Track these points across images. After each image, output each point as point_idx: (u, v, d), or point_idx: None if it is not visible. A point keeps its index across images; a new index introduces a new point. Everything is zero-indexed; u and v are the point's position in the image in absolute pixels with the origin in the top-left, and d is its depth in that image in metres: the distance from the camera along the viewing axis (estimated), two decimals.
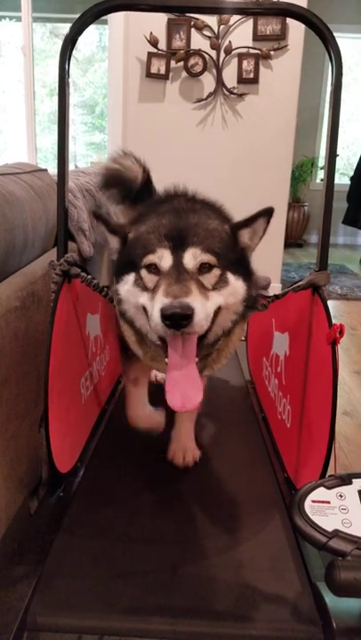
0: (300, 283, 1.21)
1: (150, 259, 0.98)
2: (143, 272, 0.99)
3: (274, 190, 3.65)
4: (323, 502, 0.83)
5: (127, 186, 1.56)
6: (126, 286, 1.03)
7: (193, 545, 1.08)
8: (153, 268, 0.98)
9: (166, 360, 0.95)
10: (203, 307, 0.91)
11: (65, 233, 1.22)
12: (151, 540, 1.09)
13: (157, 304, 0.89)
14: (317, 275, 1.16)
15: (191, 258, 0.96)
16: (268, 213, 1.06)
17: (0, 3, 4.53)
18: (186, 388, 0.92)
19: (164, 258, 0.96)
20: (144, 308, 0.99)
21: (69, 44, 1.10)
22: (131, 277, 1.02)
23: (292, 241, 6.46)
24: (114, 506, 1.20)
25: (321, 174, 6.90)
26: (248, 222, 1.06)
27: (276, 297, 1.29)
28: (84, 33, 1.13)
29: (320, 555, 0.99)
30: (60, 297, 1.17)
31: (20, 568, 1.00)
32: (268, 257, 3.80)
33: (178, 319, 0.86)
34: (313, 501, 0.83)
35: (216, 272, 0.98)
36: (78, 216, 1.78)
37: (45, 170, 1.65)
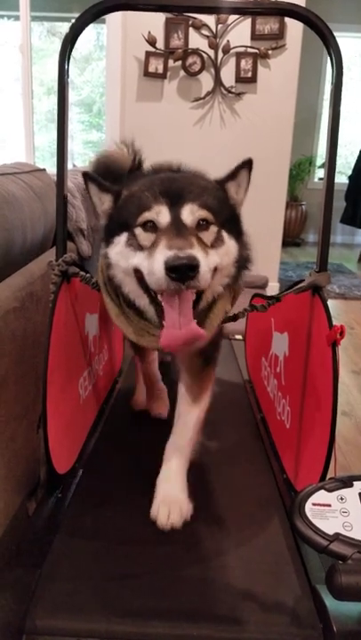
0: (301, 284, 1.20)
1: (146, 216, 0.94)
2: (138, 230, 0.95)
3: (272, 189, 3.65)
4: (323, 505, 0.82)
5: (116, 173, 1.54)
6: (117, 248, 0.99)
7: (192, 547, 1.07)
8: (149, 226, 0.94)
9: (163, 322, 0.91)
10: (205, 262, 0.89)
11: (64, 233, 1.21)
12: (149, 542, 1.08)
13: (160, 257, 0.86)
14: (318, 276, 1.16)
15: (189, 213, 0.94)
16: (248, 164, 1.05)
17: None
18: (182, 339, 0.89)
19: (161, 214, 0.93)
20: (136, 271, 0.96)
21: (69, 43, 1.09)
22: (123, 238, 0.98)
23: (290, 240, 6.47)
24: (112, 508, 1.19)
25: (319, 173, 6.91)
26: (232, 175, 1.06)
27: (277, 300, 1.28)
28: (83, 33, 1.12)
29: (320, 557, 0.99)
30: (59, 297, 1.16)
31: (18, 570, 0.99)
32: (266, 256, 3.81)
33: (184, 271, 0.83)
34: (314, 504, 0.82)
35: (213, 229, 0.96)
36: (77, 216, 1.77)
37: (44, 169, 1.64)
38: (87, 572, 1.00)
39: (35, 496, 1.24)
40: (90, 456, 1.39)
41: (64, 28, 5.78)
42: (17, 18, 3.97)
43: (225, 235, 0.99)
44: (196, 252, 0.87)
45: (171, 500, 1.14)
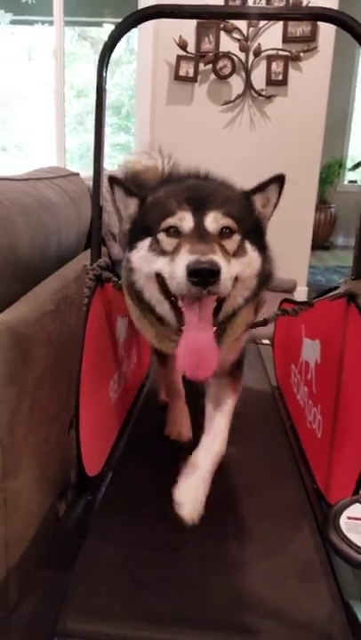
0: (336, 291, 1.19)
1: (170, 221, 0.95)
2: (161, 235, 0.96)
3: (301, 192, 3.61)
4: (359, 519, 0.81)
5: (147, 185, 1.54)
6: (140, 252, 1.00)
7: (221, 556, 1.06)
8: (172, 231, 0.95)
9: (181, 328, 0.92)
10: (227, 268, 0.88)
11: (98, 238, 1.23)
12: (178, 549, 1.08)
13: (182, 261, 0.86)
14: (354, 283, 1.14)
15: (213, 220, 0.94)
16: (279, 179, 1.04)
17: (32, 7, 4.61)
18: (200, 354, 0.89)
19: (184, 220, 0.94)
20: (157, 276, 0.97)
21: (108, 51, 1.10)
22: (146, 243, 0.99)
23: (319, 243, 6.38)
24: (141, 511, 1.20)
25: (349, 175, 6.81)
26: (261, 188, 1.04)
27: (310, 305, 1.27)
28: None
29: (353, 572, 0.97)
30: (93, 301, 1.18)
31: (49, 572, 1.01)
32: (295, 259, 3.77)
33: (206, 275, 0.83)
34: (349, 518, 0.81)
35: (236, 238, 0.96)
36: (109, 220, 1.79)
37: (78, 174, 1.67)
38: (117, 576, 1.00)
39: (65, 498, 1.25)
40: (119, 459, 1.40)
41: (94, 32, 5.85)
42: (50, 23, 4.04)
43: (248, 245, 0.98)
44: (218, 257, 0.87)
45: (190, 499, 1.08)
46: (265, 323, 1.22)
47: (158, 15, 1.09)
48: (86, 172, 1.76)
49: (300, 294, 3.71)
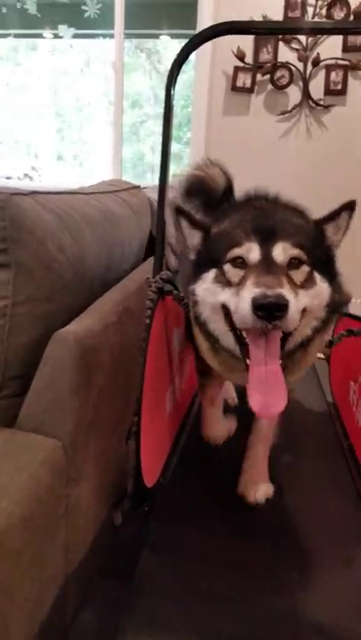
0: None
1: (236, 252, 0.93)
2: (227, 266, 0.95)
3: (359, 201, 3.52)
4: None
5: (209, 194, 1.53)
6: (205, 284, 0.99)
7: (280, 577, 1.05)
8: (239, 262, 0.93)
9: (247, 361, 0.91)
10: (295, 302, 0.86)
11: (162, 250, 1.24)
12: (236, 567, 1.07)
13: (247, 294, 0.85)
14: None
15: (281, 251, 0.91)
16: (350, 207, 1.02)
17: (94, 21, 4.75)
18: (269, 391, 0.88)
19: (251, 250, 0.92)
20: (223, 308, 0.96)
21: (176, 68, 1.12)
22: (211, 274, 0.98)
23: None
24: (196, 525, 1.20)
25: None
26: (332, 217, 1.02)
27: None
28: (169, 49, 1.14)
29: None
30: (155, 314, 1.19)
31: (107, 581, 1.02)
32: (351, 271, 3.63)
33: (272, 310, 0.81)
34: None
35: (305, 269, 0.93)
36: (166, 231, 1.80)
37: (139, 187, 1.70)
38: (174, 590, 1.01)
39: (120, 507, 1.26)
40: (173, 471, 1.40)
41: (150, 44, 5.96)
42: (111, 36, 4.15)
43: (317, 276, 0.96)
44: (286, 291, 0.84)
45: (256, 481, 1.30)
46: (331, 344, 1.20)
47: (231, 32, 1.09)
48: (139, 182, 1.80)
49: (356, 307, 3.60)
